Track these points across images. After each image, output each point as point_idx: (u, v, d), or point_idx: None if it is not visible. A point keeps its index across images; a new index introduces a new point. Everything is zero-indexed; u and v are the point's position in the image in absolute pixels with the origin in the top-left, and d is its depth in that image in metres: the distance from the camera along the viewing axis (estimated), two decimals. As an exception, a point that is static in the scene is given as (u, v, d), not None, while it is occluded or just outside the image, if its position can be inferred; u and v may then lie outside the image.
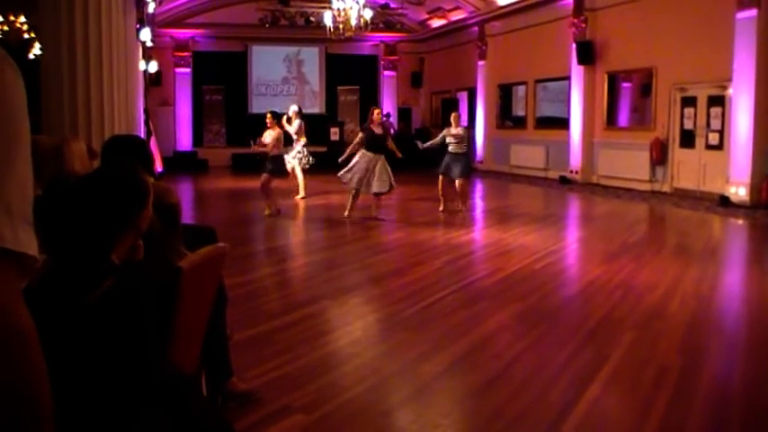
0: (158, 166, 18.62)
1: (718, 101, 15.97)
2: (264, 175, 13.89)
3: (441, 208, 14.64)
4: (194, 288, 3.20)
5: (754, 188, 14.72)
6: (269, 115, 14.59)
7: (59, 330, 2.33)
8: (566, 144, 21.00)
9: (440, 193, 14.83)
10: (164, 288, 2.91)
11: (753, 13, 14.57)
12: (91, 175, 2.74)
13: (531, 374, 5.38)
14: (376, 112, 13.92)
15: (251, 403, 4.65)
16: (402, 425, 4.64)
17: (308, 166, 16.65)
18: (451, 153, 14.40)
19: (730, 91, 15.39)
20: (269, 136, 14.26)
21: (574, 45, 20.31)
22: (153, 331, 2.52)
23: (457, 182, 14.28)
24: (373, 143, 13.43)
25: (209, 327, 3.68)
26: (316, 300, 7.77)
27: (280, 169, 14.31)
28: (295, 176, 16.53)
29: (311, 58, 29.66)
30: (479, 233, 12.50)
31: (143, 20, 16.53)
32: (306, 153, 16.54)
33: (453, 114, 14.94)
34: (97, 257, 2.47)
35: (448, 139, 14.47)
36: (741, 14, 14.83)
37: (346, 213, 13.58)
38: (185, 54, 27.94)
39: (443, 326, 6.94)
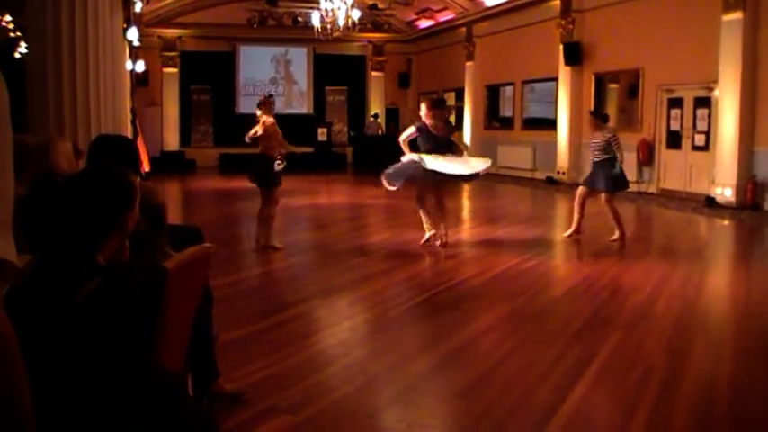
0: (145, 166, 18.61)
1: (705, 102, 16.05)
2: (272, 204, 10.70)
3: (568, 232, 11.53)
4: (180, 288, 3.19)
5: (740, 189, 14.80)
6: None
7: (46, 330, 2.33)
8: (553, 145, 21.05)
9: (575, 209, 11.48)
10: (149, 288, 2.90)
11: (738, 15, 14.66)
12: (77, 175, 2.73)
13: (517, 374, 5.38)
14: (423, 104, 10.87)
15: (237, 404, 4.64)
16: (389, 425, 4.64)
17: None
18: (593, 162, 11.30)
19: (716, 92, 15.47)
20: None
21: (561, 46, 20.36)
22: (139, 331, 2.51)
23: (602, 197, 11.20)
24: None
25: (195, 327, 3.68)
26: (303, 300, 7.76)
27: (265, 175, 10.63)
28: None
29: (299, 59, 29.65)
30: (467, 233, 12.49)
31: (130, 19, 16.52)
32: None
33: (590, 115, 12.20)
34: (83, 258, 2.46)
35: (591, 146, 11.53)
36: (727, 17, 14.91)
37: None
38: (173, 54, 27.87)
39: (431, 326, 6.95)
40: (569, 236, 11.37)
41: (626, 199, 16.54)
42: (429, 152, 10.29)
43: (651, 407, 4.70)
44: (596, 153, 11.16)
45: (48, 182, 3.89)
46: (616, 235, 11.04)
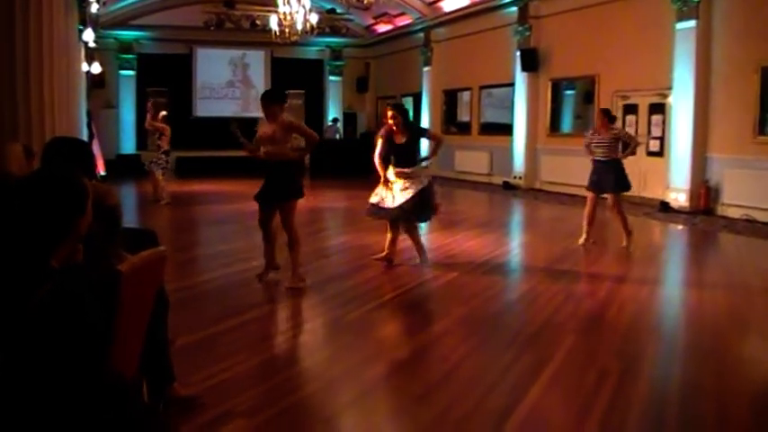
0: (100, 169, 18.44)
1: (659, 108, 16.26)
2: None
3: (582, 239, 11.24)
4: (134, 292, 3.16)
5: (693, 194, 15.03)
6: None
7: (-2, 335, 2.30)
8: (509, 150, 21.20)
9: (585, 218, 11.31)
10: (103, 292, 2.87)
11: (692, 23, 14.89)
12: (29, 179, 2.69)
13: (473, 378, 5.41)
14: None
15: (192, 409, 4.61)
16: (346, 429, 4.65)
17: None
18: (599, 161, 11.13)
19: (670, 99, 15.68)
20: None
21: (518, 52, 20.52)
22: (93, 335, 2.49)
23: (609, 199, 11.18)
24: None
25: (150, 332, 3.65)
26: (259, 304, 7.75)
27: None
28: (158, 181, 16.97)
29: (257, 62, 29.49)
30: (423, 238, 12.49)
31: (86, 21, 16.34)
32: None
33: (597, 112, 11.78)
34: (36, 261, 2.43)
35: (593, 144, 11.18)
36: (680, 25, 15.13)
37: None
38: (129, 56, 27.60)
39: (387, 330, 6.97)
40: (583, 244, 11.14)
41: (582, 203, 16.69)
42: (394, 165, 9.51)
43: (605, 409, 4.76)
44: (601, 152, 11.05)
45: (1, 185, 3.85)
46: (625, 242, 11.06)
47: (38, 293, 2.34)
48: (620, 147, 11.06)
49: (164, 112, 17.23)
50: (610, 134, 11.07)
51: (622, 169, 11.14)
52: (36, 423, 2.34)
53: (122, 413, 2.64)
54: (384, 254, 9.70)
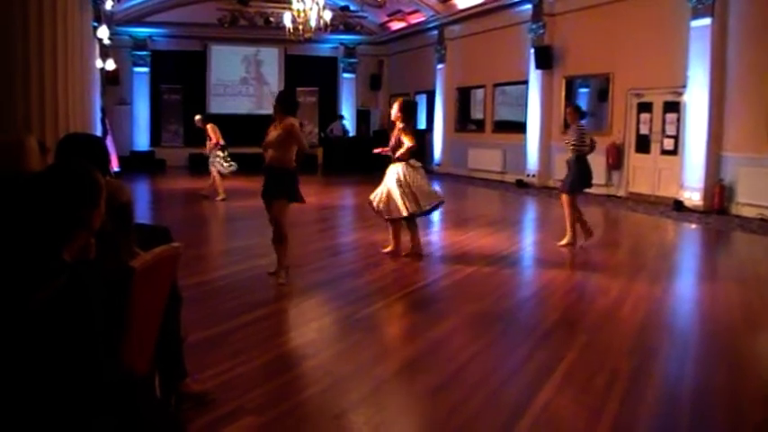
0: (114, 165, 18.50)
1: (674, 107, 16.20)
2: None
3: (581, 241, 10.94)
4: (147, 288, 3.17)
5: (707, 193, 14.97)
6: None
7: (7, 330, 2.30)
8: (523, 148, 21.16)
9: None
10: (116, 288, 2.88)
11: (707, 21, 14.83)
12: (43, 173, 2.70)
13: (484, 376, 5.40)
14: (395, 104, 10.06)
15: (204, 404, 4.63)
16: (356, 426, 4.64)
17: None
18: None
19: (685, 97, 15.62)
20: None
21: (532, 50, 20.46)
22: (104, 331, 2.49)
23: (563, 197, 11.01)
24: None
25: (163, 327, 3.65)
26: (271, 301, 7.76)
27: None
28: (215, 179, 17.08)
29: (270, 59, 29.50)
30: (436, 235, 12.51)
31: (100, 17, 16.41)
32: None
33: (567, 109, 11.50)
34: (48, 255, 2.44)
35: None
36: (695, 22, 15.07)
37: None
38: (144, 53, 27.67)
39: (398, 327, 6.97)
40: (582, 246, 10.86)
41: (595, 202, 16.68)
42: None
43: (617, 409, 4.74)
44: (569, 150, 10.92)
45: (16, 179, 3.86)
46: (565, 239, 10.95)
47: (49, 287, 2.34)
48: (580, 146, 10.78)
49: (197, 116, 17.47)
50: (569, 132, 11.09)
51: (572, 170, 10.81)
52: (44, 418, 2.35)
53: (132, 408, 2.64)
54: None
